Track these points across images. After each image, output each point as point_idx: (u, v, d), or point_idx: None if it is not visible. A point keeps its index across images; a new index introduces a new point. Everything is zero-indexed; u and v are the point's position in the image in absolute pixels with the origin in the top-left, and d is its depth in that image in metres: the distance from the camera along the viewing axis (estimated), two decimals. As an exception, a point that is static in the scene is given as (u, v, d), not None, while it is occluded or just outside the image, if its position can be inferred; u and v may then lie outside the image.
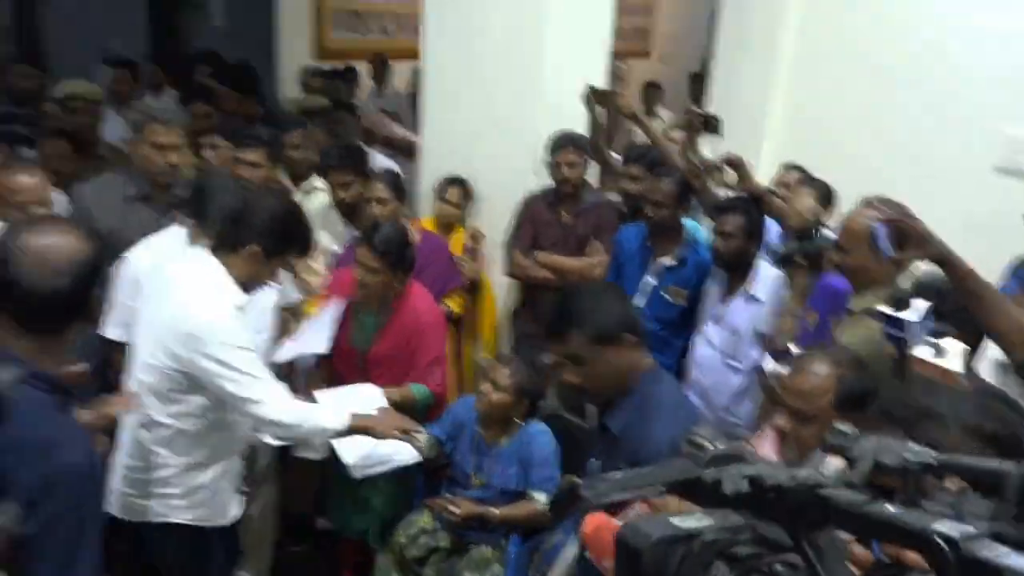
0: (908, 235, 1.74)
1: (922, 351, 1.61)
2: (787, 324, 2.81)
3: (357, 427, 2.54)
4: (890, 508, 0.77)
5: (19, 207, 2.57)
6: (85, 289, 1.53)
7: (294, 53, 6.83)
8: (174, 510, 2.33)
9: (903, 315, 1.55)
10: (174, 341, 2.17)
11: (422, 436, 2.86)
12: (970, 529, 0.71)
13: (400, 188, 3.43)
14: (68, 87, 4.49)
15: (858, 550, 1.04)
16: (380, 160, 4.35)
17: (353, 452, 2.59)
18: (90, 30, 6.89)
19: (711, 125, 3.55)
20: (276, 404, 2.29)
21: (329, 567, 3.32)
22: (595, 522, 1.49)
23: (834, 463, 0.91)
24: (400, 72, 6.77)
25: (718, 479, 0.86)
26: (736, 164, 3.27)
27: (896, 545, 0.78)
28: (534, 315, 3.73)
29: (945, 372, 1.55)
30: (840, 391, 1.88)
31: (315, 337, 2.89)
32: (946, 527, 0.70)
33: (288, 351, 2.88)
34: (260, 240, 2.27)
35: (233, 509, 2.48)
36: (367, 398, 2.77)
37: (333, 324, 2.90)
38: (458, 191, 3.82)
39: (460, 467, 2.85)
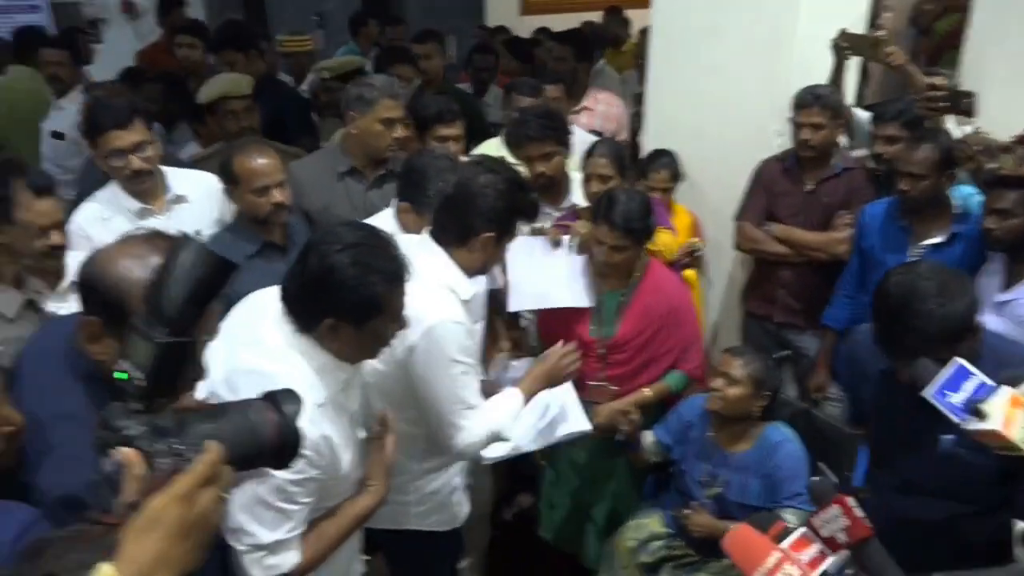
0: None
1: None
2: None
3: (533, 391, 2.24)
4: None
5: (262, 191, 2.46)
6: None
7: (501, 10, 6.65)
8: (409, 518, 2.23)
9: None
10: (398, 343, 2.01)
11: (648, 436, 2.66)
12: None
13: (623, 162, 3.07)
14: (212, 88, 3.56)
15: None
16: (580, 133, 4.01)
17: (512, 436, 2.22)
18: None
19: (959, 103, 2.84)
20: (473, 430, 2.08)
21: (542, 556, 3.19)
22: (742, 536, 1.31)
23: None
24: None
25: None
26: None
27: None
28: (766, 295, 3.36)
29: None
30: None
31: (574, 414, 2.46)
32: None
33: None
34: (492, 225, 2.06)
35: (464, 511, 2.36)
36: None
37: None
38: (665, 174, 3.46)
39: (689, 475, 2.58)
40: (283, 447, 1.06)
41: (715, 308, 3.69)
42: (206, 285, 1.00)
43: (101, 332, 1.38)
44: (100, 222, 2.58)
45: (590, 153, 3.04)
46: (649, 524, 2.65)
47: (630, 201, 2.55)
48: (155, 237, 1.42)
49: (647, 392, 2.66)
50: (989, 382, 1.38)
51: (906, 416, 1.93)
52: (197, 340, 0.99)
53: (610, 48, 5.98)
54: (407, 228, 2.46)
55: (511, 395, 2.20)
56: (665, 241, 2.98)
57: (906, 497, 1.99)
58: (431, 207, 2.21)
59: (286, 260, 2.37)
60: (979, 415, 1.31)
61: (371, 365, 2.08)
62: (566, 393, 2.48)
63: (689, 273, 3.34)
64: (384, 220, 2.56)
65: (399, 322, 1.71)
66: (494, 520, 3.20)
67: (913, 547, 1.94)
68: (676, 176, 3.48)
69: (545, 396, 2.29)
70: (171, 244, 1.37)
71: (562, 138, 3.00)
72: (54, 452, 1.39)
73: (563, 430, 2.37)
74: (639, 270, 2.67)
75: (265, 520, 1.57)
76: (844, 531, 1.25)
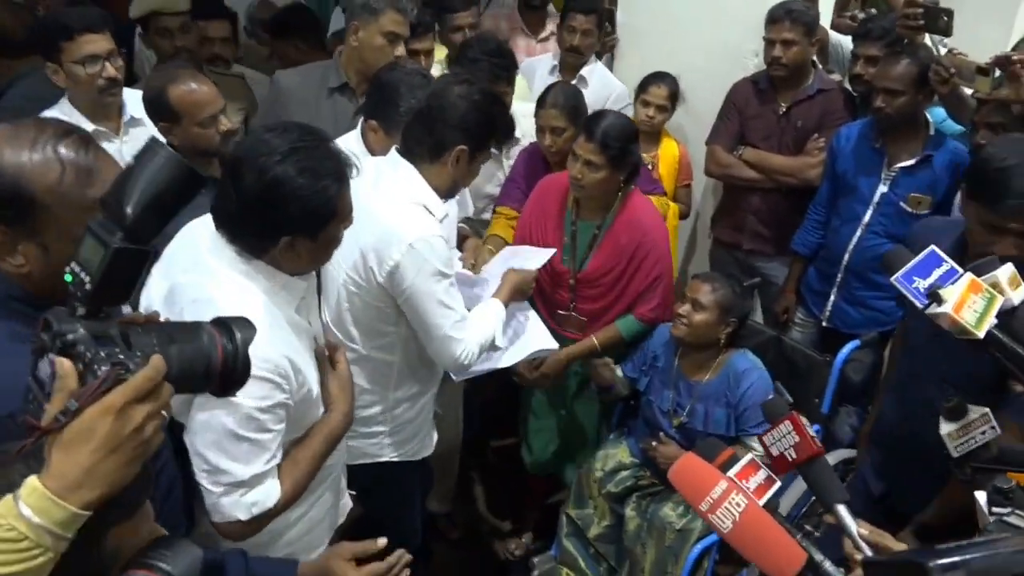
0: None
1: None
2: None
3: (511, 299, 2.27)
4: None
5: (209, 122, 2.24)
6: None
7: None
8: (384, 448, 2.18)
9: None
10: (377, 265, 1.93)
11: (616, 371, 2.61)
12: None
13: (577, 111, 2.76)
14: (143, 3, 3.19)
15: None
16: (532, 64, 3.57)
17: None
18: None
19: (937, 22, 2.62)
20: (470, 341, 2.04)
21: (513, 488, 3.17)
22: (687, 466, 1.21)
23: None
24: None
25: None
26: (1009, 65, 2.39)
27: None
28: (735, 222, 3.28)
29: None
30: None
31: (538, 333, 2.47)
32: None
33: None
34: (465, 138, 1.96)
35: (434, 439, 2.33)
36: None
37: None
38: (664, 91, 3.25)
39: (656, 404, 2.55)
40: (230, 375, 1.02)
41: (684, 236, 3.61)
42: (172, 192, 0.94)
43: (10, 239, 1.19)
44: None
45: (541, 102, 2.83)
46: (616, 454, 2.63)
47: (616, 120, 2.46)
48: (28, 120, 1.24)
49: (594, 341, 2.59)
50: (959, 270, 1.39)
51: None
52: (152, 252, 0.94)
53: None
54: (373, 148, 2.32)
55: (492, 303, 2.19)
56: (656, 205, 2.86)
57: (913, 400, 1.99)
58: (400, 126, 2.09)
59: None
60: (937, 299, 1.33)
61: (345, 291, 2.02)
62: (529, 315, 2.46)
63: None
64: (349, 140, 2.41)
65: (348, 220, 1.59)
66: (468, 455, 3.17)
67: (907, 464, 1.98)
68: (674, 98, 3.29)
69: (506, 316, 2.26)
70: (49, 126, 1.22)
71: (512, 77, 2.85)
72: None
73: (531, 348, 2.37)
74: (617, 203, 2.55)
75: (239, 455, 1.46)
76: (793, 448, 1.24)
